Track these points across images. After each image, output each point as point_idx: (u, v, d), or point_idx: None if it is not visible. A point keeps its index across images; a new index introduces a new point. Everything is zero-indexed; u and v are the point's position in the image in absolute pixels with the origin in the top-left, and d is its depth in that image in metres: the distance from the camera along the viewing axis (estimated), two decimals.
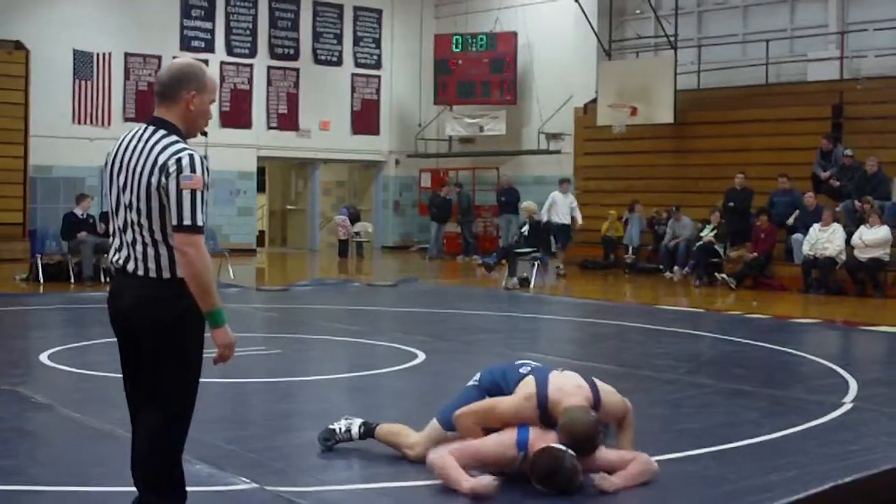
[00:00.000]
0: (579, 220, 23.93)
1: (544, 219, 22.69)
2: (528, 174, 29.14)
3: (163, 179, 4.38)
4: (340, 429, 6.68)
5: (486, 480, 5.66)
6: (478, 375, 6.55)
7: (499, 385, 6.21)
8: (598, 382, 6.07)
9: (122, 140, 4.62)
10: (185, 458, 4.72)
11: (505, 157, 30.23)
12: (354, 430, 6.65)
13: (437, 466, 5.86)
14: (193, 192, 4.36)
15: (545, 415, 5.86)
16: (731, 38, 26.11)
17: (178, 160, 4.39)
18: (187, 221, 4.35)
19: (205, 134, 4.77)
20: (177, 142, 4.47)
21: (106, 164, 4.66)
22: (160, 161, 4.40)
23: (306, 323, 14.34)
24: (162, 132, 4.51)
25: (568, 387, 5.91)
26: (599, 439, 5.78)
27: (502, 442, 5.89)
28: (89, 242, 18.91)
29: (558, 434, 5.75)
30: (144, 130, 4.55)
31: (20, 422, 7.55)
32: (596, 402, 5.91)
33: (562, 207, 23.56)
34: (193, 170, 4.38)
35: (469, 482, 5.68)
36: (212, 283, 4.40)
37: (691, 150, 24.27)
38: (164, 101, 4.57)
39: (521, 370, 6.21)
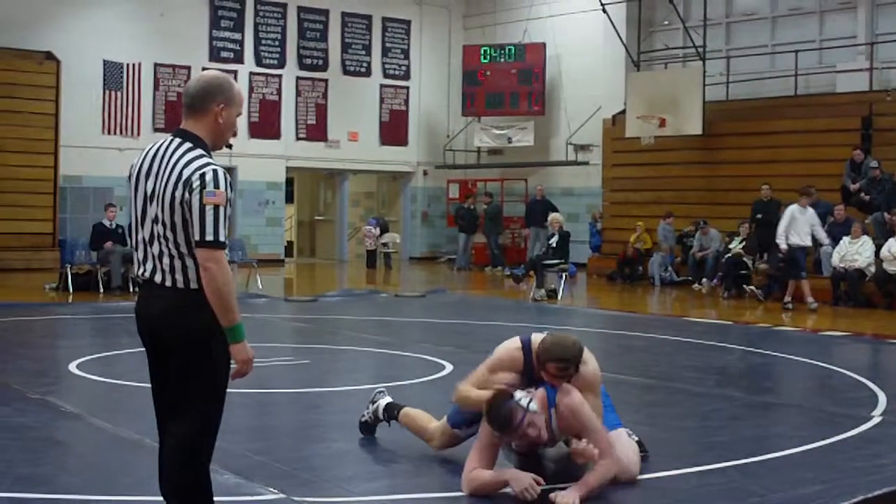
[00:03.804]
0: (825, 241, 19.33)
1: (783, 245, 18.46)
2: (557, 185, 29.10)
3: (186, 194, 4.39)
4: (369, 418, 7.19)
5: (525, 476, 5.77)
6: None
7: None
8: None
9: (147, 152, 4.63)
10: (213, 468, 4.72)
11: (533, 168, 30.21)
12: (381, 413, 7.13)
13: (472, 487, 5.90)
14: (216, 208, 4.37)
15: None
16: (759, 48, 25.99)
17: (202, 175, 4.40)
18: (209, 237, 4.37)
19: (230, 146, 4.79)
20: (202, 156, 4.48)
21: (130, 175, 4.66)
22: (184, 175, 4.41)
23: (334, 333, 14.37)
24: (187, 145, 4.51)
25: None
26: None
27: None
28: (118, 252, 18.96)
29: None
30: (170, 143, 4.56)
31: (49, 431, 7.60)
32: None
33: (803, 226, 18.56)
34: (217, 185, 4.39)
35: (509, 471, 5.89)
36: (233, 298, 4.41)
37: (720, 161, 24.16)
38: (192, 113, 4.58)
39: None
